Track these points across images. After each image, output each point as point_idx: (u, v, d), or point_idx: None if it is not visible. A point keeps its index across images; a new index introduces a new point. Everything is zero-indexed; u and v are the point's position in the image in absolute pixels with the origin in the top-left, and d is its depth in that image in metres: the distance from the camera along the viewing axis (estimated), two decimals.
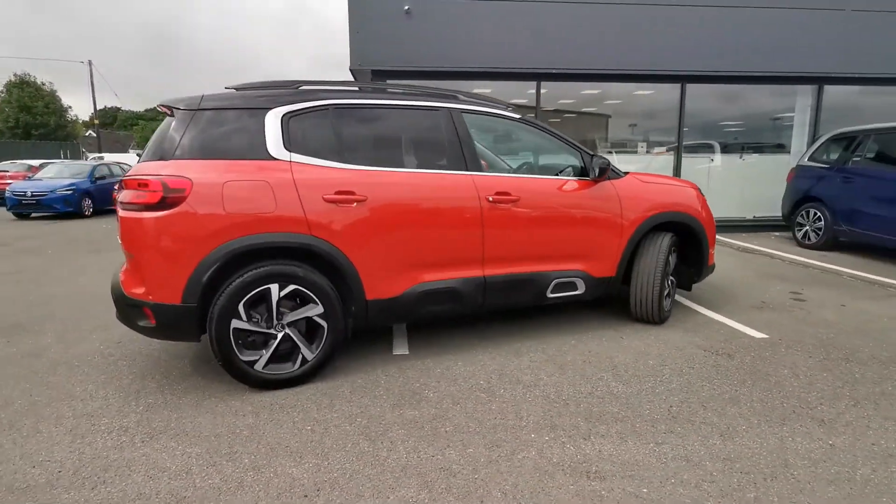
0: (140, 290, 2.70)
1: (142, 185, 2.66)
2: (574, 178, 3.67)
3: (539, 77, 8.36)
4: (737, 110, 9.73)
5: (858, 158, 6.93)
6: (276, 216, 2.77)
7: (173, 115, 2.87)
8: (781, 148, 9.80)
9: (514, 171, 3.96)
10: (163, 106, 2.97)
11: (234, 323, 2.74)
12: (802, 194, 7.53)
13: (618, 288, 3.89)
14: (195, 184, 2.64)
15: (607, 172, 3.60)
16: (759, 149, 9.88)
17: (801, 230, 7.49)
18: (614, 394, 2.82)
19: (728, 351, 3.43)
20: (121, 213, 2.77)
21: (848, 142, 7.14)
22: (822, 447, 2.27)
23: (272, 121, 2.91)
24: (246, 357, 2.80)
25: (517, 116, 3.63)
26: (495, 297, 3.42)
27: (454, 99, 3.48)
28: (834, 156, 7.31)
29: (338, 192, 2.90)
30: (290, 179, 2.82)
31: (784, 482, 2.02)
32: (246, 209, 2.72)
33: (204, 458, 2.24)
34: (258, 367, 2.83)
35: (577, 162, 3.73)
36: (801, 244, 7.45)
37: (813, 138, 9.12)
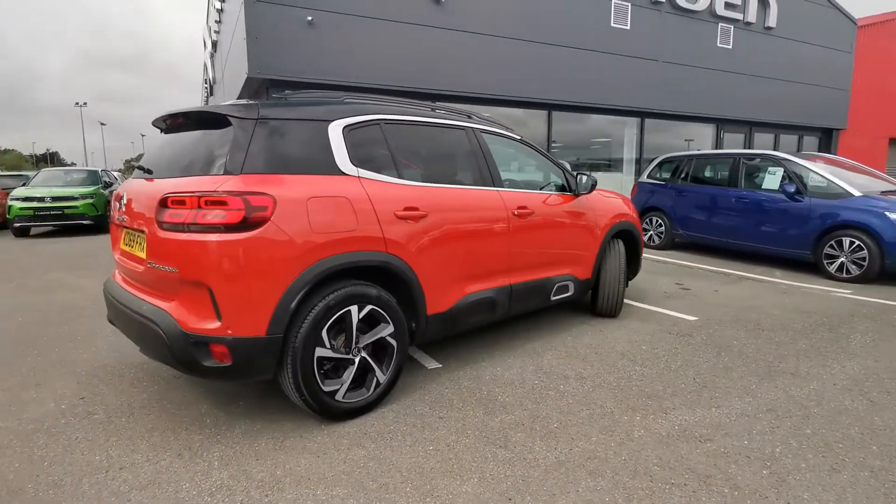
0: (211, 325, 2.30)
1: (212, 202, 2.28)
2: (563, 192, 4.14)
3: (433, 98, 8.79)
4: (582, 134, 11.53)
5: (684, 177, 8.89)
6: (360, 235, 2.63)
7: (225, 125, 2.52)
8: (612, 166, 11.90)
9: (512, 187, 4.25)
10: (206, 112, 2.58)
11: (318, 351, 2.51)
12: (645, 205, 9.31)
13: (591, 289, 4.47)
14: (279, 201, 2.38)
15: (594, 189, 4.16)
16: (595, 167, 11.84)
17: (647, 234, 9.24)
18: (645, 375, 3.31)
19: (685, 332, 4.24)
20: (172, 235, 2.33)
21: (675, 164, 9.10)
22: (810, 391, 3.07)
23: (335, 134, 2.74)
24: (327, 388, 2.58)
25: (518, 137, 3.97)
26: (518, 304, 3.67)
27: (471, 119, 3.66)
28: (666, 175, 9.21)
29: (405, 209, 2.86)
30: (365, 195, 2.70)
31: (815, 419, 2.72)
32: (332, 227, 2.53)
33: (362, 496, 2.06)
34: (339, 396, 2.63)
35: (559, 178, 4.21)
36: (646, 245, 9.19)
37: (639, 159, 11.34)
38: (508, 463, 2.30)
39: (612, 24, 9.95)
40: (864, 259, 6.22)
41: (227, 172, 2.38)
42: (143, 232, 2.54)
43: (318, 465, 2.29)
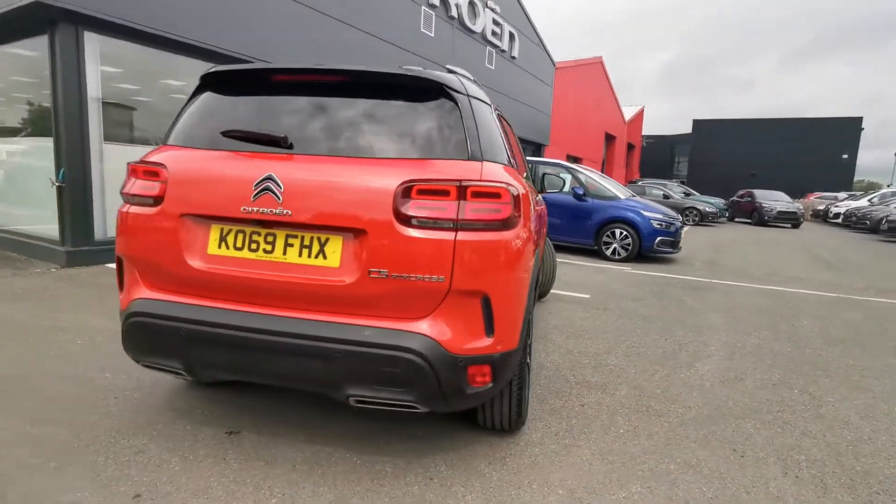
0: (482, 343, 1.89)
1: (483, 194, 1.88)
2: None
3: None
4: None
5: None
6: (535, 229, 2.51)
7: (435, 96, 2.04)
8: None
9: None
10: (407, 77, 2.02)
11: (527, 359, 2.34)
12: None
13: None
14: (520, 193, 2.10)
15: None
16: None
17: None
18: (636, 343, 4.08)
19: (602, 307, 5.23)
20: (430, 235, 1.80)
21: None
22: (728, 339, 4.37)
23: (493, 117, 2.50)
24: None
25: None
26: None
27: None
28: None
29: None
30: (525, 188, 2.57)
31: (763, 356, 3.95)
32: (534, 223, 2.35)
33: (654, 483, 2.12)
34: (523, 404, 2.47)
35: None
36: None
37: None
38: (684, 425, 2.68)
39: (421, 29, 10.58)
40: (628, 245, 8.62)
41: (471, 157, 1.97)
42: (347, 230, 1.83)
43: (575, 472, 2.19)
